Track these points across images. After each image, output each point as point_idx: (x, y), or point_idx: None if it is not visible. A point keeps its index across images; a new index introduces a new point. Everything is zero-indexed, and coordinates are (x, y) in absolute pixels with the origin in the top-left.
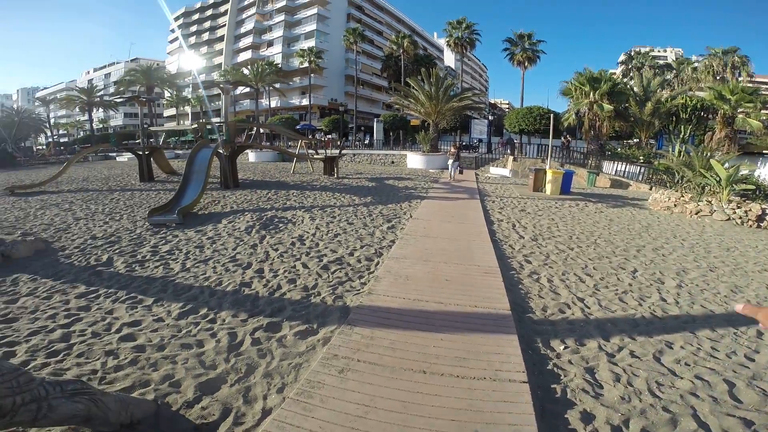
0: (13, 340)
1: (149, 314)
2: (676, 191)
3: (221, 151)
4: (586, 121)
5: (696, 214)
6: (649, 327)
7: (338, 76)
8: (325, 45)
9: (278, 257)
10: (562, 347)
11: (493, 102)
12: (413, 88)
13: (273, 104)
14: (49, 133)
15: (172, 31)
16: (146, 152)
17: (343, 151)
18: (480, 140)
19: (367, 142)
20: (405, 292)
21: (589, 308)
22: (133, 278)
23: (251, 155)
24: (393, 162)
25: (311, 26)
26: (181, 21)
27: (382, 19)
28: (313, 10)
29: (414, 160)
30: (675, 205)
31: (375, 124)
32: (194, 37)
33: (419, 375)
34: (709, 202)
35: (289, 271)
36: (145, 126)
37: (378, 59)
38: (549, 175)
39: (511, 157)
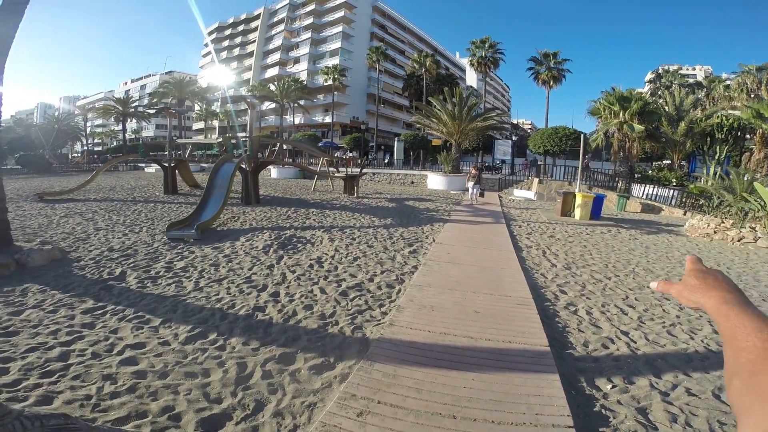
0: (8, 355)
1: (155, 336)
2: (716, 217)
3: (244, 166)
4: (615, 141)
5: (739, 241)
6: (704, 362)
7: (361, 95)
8: (348, 63)
9: (295, 280)
10: (609, 386)
11: (515, 122)
12: (435, 107)
13: (297, 121)
14: (84, 142)
15: (206, 45)
16: (172, 164)
17: (364, 170)
18: (503, 161)
19: (387, 161)
20: (430, 324)
21: (635, 342)
22: (143, 295)
23: (273, 171)
24: (413, 182)
25: (336, 44)
26: (214, 36)
27: (405, 38)
28: (339, 28)
29: (435, 180)
30: (715, 232)
31: (395, 143)
32: (225, 52)
33: (449, 420)
34: (753, 228)
35: (305, 295)
36: (173, 138)
37: (400, 78)
38: (578, 199)
39: (536, 179)
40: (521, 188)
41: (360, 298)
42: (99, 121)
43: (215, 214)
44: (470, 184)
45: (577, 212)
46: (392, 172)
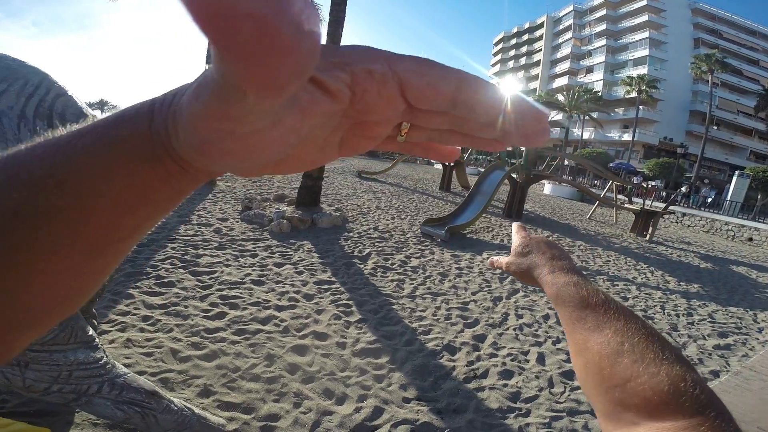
0: (238, 302)
1: (341, 333)
2: None
3: (515, 176)
4: None
5: None
6: None
7: (679, 111)
8: (660, 73)
9: (515, 329)
10: None
11: None
12: None
13: (586, 135)
14: None
15: (495, 55)
16: (450, 164)
17: (671, 207)
18: None
19: (710, 200)
20: None
21: None
22: (367, 284)
23: (547, 187)
24: (752, 239)
25: (642, 52)
26: (500, 46)
27: (757, 45)
28: (644, 34)
29: None
30: None
31: (735, 178)
32: (512, 61)
33: None
34: None
35: (515, 356)
36: None
37: (750, 94)
38: None
39: None
40: None
41: (586, 402)
42: None
43: (470, 221)
44: None
45: None
46: (717, 217)
